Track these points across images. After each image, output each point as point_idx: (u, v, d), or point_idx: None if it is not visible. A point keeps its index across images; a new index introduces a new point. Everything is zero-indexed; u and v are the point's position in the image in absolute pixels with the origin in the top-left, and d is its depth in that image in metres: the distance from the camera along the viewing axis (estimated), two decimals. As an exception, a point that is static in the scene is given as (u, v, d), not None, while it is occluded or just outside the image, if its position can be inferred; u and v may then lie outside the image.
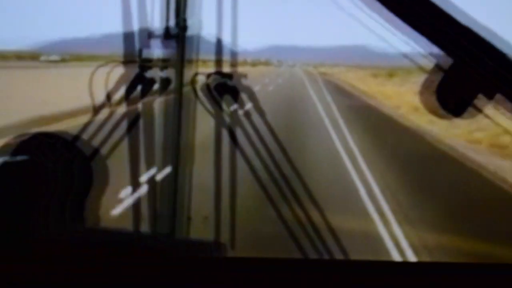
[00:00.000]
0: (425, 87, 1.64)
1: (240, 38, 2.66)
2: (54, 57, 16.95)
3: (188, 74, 2.43)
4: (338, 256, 2.22)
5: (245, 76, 2.51)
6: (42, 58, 17.49)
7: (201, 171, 2.43)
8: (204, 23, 2.48)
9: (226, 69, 2.59)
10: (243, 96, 2.46)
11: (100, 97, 2.51)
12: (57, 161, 2.04)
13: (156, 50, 2.51)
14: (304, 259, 2.13)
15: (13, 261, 1.33)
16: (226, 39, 2.64)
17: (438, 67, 1.58)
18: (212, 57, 2.66)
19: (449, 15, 1.52)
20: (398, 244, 6.68)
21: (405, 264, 2.32)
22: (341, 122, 15.28)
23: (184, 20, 2.41)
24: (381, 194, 8.01)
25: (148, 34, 2.43)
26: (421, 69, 1.67)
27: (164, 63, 2.47)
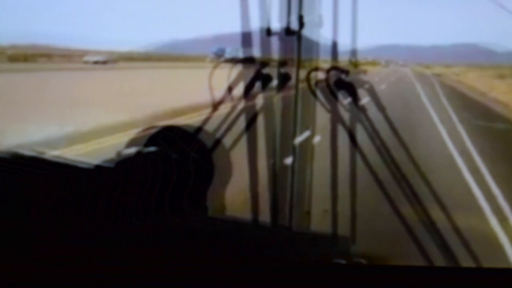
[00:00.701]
0: None
1: (344, 37, 2.63)
2: (97, 58, 16.14)
3: (307, 70, 2.45)
4: (464, 262, 2.11)
5: (364, 72, 2.46)
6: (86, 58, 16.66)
7: (322, 165, 2.43)
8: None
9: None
10: (364, 92, 2.42)
11: (218, 94, 2.59)
12: (177, 153, 2.13)
13: (276, 47, 2.56)
14: (427, 266, 2.03)
15: (13, 261, 1.36)
16: (333, 37, 2.61)
17: None
18: (324, 54, 2.66)
19: None
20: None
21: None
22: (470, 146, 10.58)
23: (302, 17, 2.42)
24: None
25: (267, 31, 2.47)
26: None
27: (284, 59, 2.50)
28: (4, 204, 1.67)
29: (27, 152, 1.93)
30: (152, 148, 2.13)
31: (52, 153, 2.01)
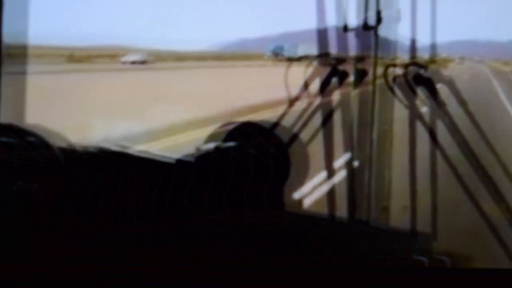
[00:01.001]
0: None
1: (421, 32, 2.58)
2: (135, 57, 15.25)
3: (384, 65, 2.43)
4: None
5: (445, 66, 2.42)
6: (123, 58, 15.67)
7: (401, 160, 2.40)
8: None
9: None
10: (443, 86, 2.37)
11: (293, 91, 2.61)
12: (255, 149, 2.17)
13: (352, 43, 2.56)
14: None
15: (13, 261, 1.37)
16: (410, 32, 2.56)
17: None
18: (401, 50, 2.62)
19: None
20: None
21: None
22: None
23: (380, 12, 2.41)
24: None
25: (344, 27, 2.47)
26: None
27: (361, 55, 2.49)
28: (4, 204, 1.66)
29: (113, 146, 1.99)
30: (230, 144, 2.18)
31: (136, 148, 2.07)
